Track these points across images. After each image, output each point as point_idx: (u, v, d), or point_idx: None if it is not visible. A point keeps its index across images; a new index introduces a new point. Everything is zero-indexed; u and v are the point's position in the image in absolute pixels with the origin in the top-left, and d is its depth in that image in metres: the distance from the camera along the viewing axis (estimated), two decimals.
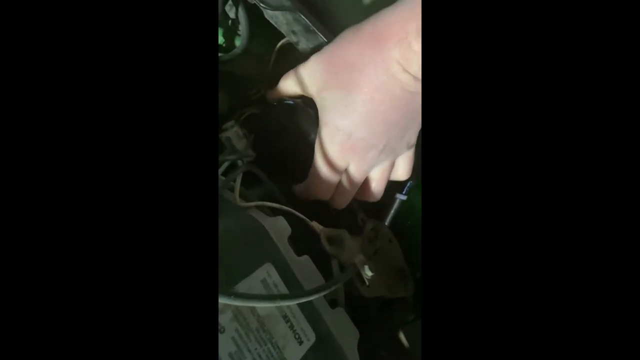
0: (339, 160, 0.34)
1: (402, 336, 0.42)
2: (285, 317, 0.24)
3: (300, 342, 0.24)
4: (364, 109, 0.31)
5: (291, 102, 0.36)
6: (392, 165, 0.37)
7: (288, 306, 0.24)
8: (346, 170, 0.35)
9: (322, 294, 0.25)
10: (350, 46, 0.31)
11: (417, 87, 0.30)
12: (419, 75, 0.29)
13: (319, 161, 0.34)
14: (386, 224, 0.41)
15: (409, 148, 0.37)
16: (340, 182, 0.36)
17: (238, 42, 0.42)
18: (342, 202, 0.37)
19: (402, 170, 0.38)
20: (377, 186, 0.37)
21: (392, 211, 0.42)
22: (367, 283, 0.31)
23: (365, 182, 0.37)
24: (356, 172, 0.35)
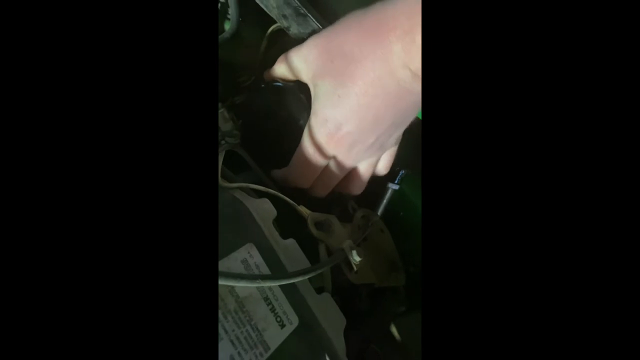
0: (325, 151, 0.33)
1: (394, 329, 0.41)
2: (266, 299, 0.23)
3: (282, 326, 0.23)
4: (356, 102, 0.30)
5: (280, 84, 0.35)
6: (378, 161, 0.37)
7: (270, 288, 0.23)
8: (331, 161, 0.34)
9: (307, 276, 0.24)
10: (349, 34, 0.30)
11: (414, 84, 0.29)
12: (419, 72, 0.28)
13: (304, 149, 0.33)
14: (378, 213, 0.40)
15: (395, 145, 0.36)
16: (321, 173, 0.35)
17: (227, 27, 0.41)
18: (320, 192, 0.36)
19: (382, 164, 0.37)
20: (360, 180, 0.37)
21: (384, 201, 0.41)
22: (355, 269, 0.30)
23: (349, 175, 0.36)
24: (339, 165, 0.34)
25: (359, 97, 0.30)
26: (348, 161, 0.34)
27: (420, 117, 0.36)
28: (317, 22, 0.37)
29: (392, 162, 0.38)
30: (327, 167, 0.34)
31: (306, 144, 0.33)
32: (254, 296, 0.22)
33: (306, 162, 0.33)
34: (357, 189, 0.37)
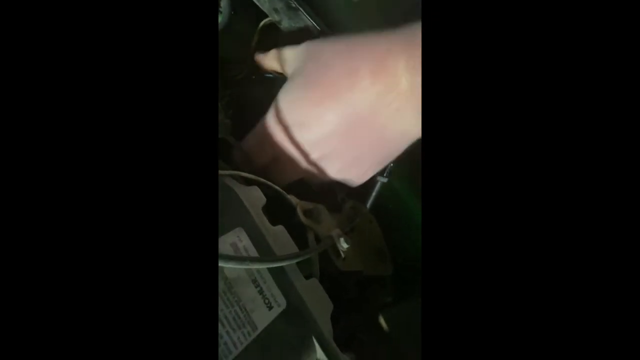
0: (275, 140, 0.32)
1: (381, 319, 0.42)
2: (255, 281, 0.23)
3: (270, 307, 0.23)
4: (325, 122, 0.30)
5: (271, 75, 0.36)
6: None
7: (258, 271, 0.24)
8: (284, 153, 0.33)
9: (295, 260, 0.25)
10: (342, 55, 0.30)
11: (386, 131, 0.29)
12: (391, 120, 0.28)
13: (262, 129, 0.33)
14: (367, 206, 0.41)
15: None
16: (283, 155, 0.33)
17: (220, 20, 0.42)
18: (285, 179, 0.35)
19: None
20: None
21: (374, 193, 0.42)
22: (343, 255, 0.31)
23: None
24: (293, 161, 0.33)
25: (324, 119, 0.29)
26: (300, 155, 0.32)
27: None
28: (309, 16, 0.38)
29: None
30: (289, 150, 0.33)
31: (268, 122, 0.32)
32: (242, 278, 0.23)
33: (259, 141, 0.33)
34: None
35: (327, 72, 0.30)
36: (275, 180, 0.34)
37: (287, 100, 0.31)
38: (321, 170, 0.33)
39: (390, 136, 0.31)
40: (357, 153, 0.32)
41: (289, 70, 0.33)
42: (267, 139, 0.32)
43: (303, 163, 0.32)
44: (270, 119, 0.32)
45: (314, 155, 0.32)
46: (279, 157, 0.33)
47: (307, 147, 0.31)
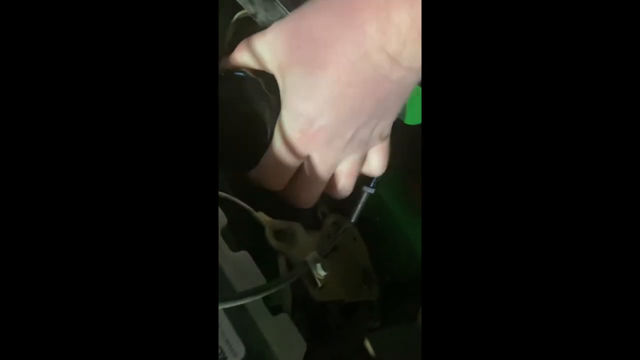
0: (299, 149, 0.30)
1: (367, 344, 0.38)
2: None
3: (224, 359, 0.19)
4: (328, 91, 0.27)
5: (241, 74, 0.32)
6: (364, 159, 0.34)
7: None
8: (308, 162, 0.31)
9: (258, 297, 0.21)
10: (318, 16, 0.28)
11: (392, 70, 0.26)
12: (398, 56, 0.25)
13: (274, 147, 0.30)
14: (352, 220, 0.37)
15: (382, 140, 0.33)
16: (301, 173, 0.32)
17: None
18: (307, 199, 0.33)
19: (376, 164, 0.34)
20: (346, 181, 0.34)
21: (359, 206, 0.38)
22: (320, 284, 0.27)
23: (333, 177, 0.33)
24: (320, 164, 0.31)
25: (331, 86, 0.27)
26: (328, 159, 0.31)
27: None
28: (286, 8, 0.35)
29: (386, 160, 0.35)
30: (302, 168, 0.31)
31: (277, 141, 0.30)
32: None
33: (276, 161, 0.30)
34: (344, 191, 0.34)
35: (327, 46, 0.27)
36: (296, 200, 0.32)
37: (297, 99, 0.29)
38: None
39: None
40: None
41: (271, 65, 0.30)
42: (283, 162, 0.30)
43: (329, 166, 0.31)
44: (280, 138, 0.30)
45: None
46: (299, 176, 0.31)
47: (324, 144, 0.29)
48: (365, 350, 0.37)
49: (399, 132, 0.36)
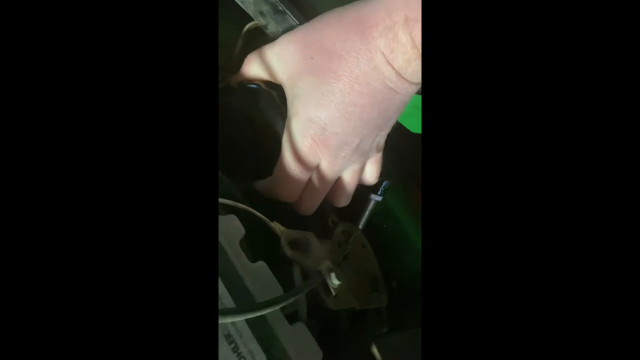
0: (310, 156, 0.30)
1: (375, 350, 0.39)
2: (228, 336, 0.20)
3: None
4: (341, 100, 0.28)
5: (254, 86, 0.32)
6: (363, 169, 0.34)
7: (233, 323, 0.20)
8: (317, 169, 0.31)
9: (277, 307, 0.22)
10: (329, 29, 0.29)
11: (398, 84, 0.27)
12: (403, 70, 0.27)
13: (288, 156, 0.31)
14: (360, 227, 0.38)
15: (378, 151, 0.34)
16: (309, 182, 0.32)
17: None
18: (311, 205, 0.34)
19: (370, 173, 0.35)
20: (348, 190, 0.34)
21: (367, 213, 0.39)
22: (334, 293, 0.27)
23: (335, 185, 0.34)
24: (328, 171, 0.31)
25: (344, 95, 0.28)
26: (336, 166, 0.31)
27: (399, 120, 0.34)
28: (297, 19, 0.35)
29: (379, 169, 0.36)
30: (314, 175, 0.32)
31: (289, 150, 0.30)
32: None
33: (291, 170, 0.31)
34: (345, 199, 0.35)
35: (339, 57, 0.28)
36: (299, 208, 0.33)
37: (310, 106, 0.29)
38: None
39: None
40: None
41: (281, 76, 0.31)
42: (297, 171, 0.31)
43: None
44: (291, 148, 0.30)
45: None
46: (309, 185, 0.32)
47: (334, 151, 0.30)
48: (372, 356, 0.37)
49: (406, 139, 0.37)
